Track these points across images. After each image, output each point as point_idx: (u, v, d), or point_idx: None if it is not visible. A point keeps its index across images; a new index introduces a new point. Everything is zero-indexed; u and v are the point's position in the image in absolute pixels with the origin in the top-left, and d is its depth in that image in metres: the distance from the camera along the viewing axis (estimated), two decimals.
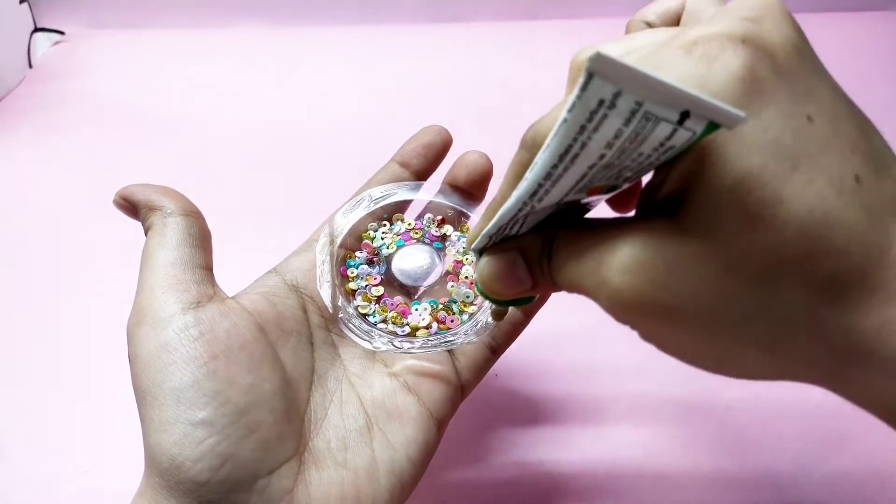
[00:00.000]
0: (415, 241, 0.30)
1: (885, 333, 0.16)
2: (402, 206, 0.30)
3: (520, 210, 0.18)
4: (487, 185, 0.30)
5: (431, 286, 0.29)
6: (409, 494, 0.25)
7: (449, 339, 0.27)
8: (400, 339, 0.27)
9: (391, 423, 0.25)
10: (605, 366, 0.38)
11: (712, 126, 0.14)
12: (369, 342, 0.27)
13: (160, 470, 0.21)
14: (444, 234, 0.30)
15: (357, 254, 0.29)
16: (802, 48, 0.17)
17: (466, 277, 0.29)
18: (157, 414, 0.21)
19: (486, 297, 0.23)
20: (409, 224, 0.30)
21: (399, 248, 0.29)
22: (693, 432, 0.35)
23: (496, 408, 0.36)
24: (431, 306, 0.28)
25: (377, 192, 0.29)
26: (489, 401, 0.36)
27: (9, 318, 0.42)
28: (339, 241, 0.29)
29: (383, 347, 0.26)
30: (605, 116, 0.14)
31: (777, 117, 0.16)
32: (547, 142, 0.15)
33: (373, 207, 0.29)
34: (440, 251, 0.30)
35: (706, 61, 0.16)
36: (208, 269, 0.25)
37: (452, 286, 0.29)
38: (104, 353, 0.39)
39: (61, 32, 0.68)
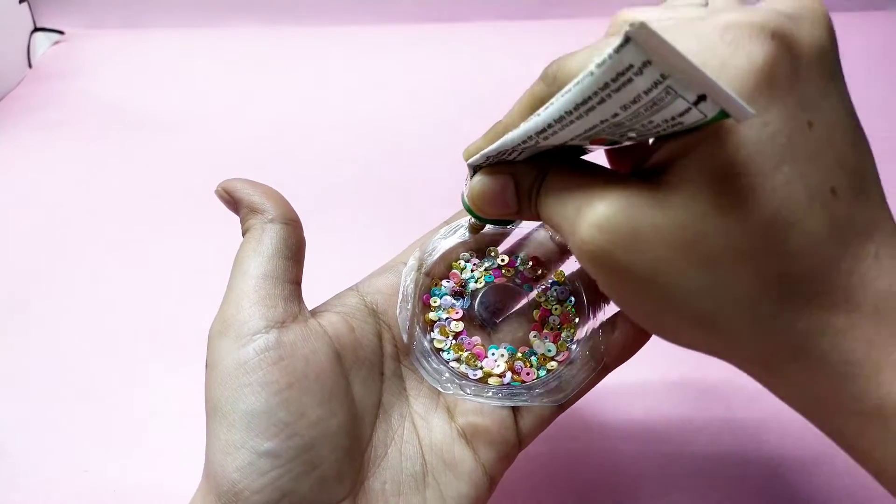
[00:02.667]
0: (505, 279, 0.28)
1: (816, 336, 0.17)
2: (498, 238, 0.29)
3: (524, 142, 0.19)
4: None
5: (513, 331, 0.28)
6: None
7: (520, 396, 0.25)
8: (470, 384, 0.26)
9: (446, 474, 0.24)
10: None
11: (723, 114, 0.15)
12: (438, 382, 0.26)
13: (219, 491, 0.21)
14: (538, 276, 0.28)
15: (444, 283, 0.28)
16: (828, 55, 0.18)
17: (552, 330, 0.27)
18: (225, 434, 0.21)
19: (469, 212, 0.24)
20: (503, 260, 0.28)
21: (488, 283, 0.28)
22: (693, 432, 0.35)
23: None
24: (509, 354, 0.27)
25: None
26: None
27: (9, 318, 0.42)
28: (427, 268, 0.27)
29: (451, 390, 0.25)
30: (629, 80, 0.14)
31: (779, 116, 0.17)
32: (568, 87, 0.16)
33: (468, 236, 0.28)
34: (529, 295, 0.28)
35: (734, 46, 0.17)
36: (297, 283, 0.24)
37: (535, 336, 0.27)
38: (104, 353, 0.39)
39: (61, 32, 0.68)
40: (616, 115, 0.16)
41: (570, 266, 0.28)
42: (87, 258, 0.45)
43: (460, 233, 0.28)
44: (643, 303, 0.19)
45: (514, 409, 0.26)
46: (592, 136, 0.18)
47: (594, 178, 0.19)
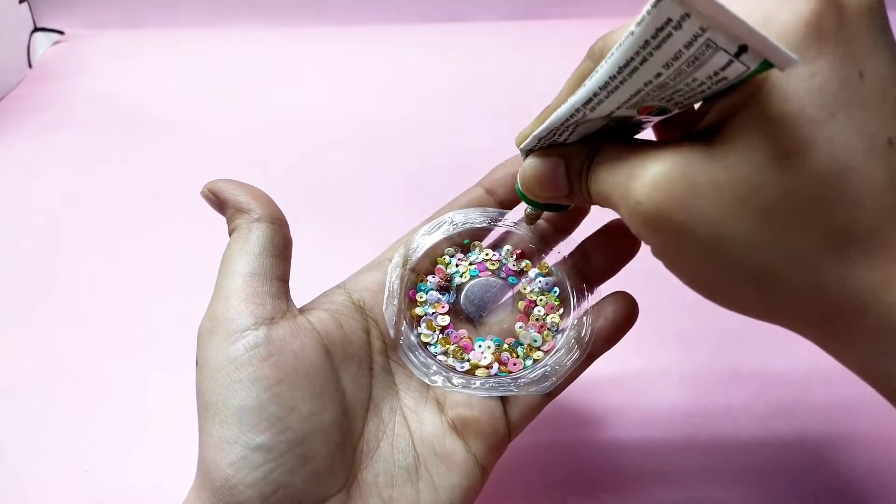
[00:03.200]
0: (490, 272, 0.28)
1: (880, 291, 0.17)
2: (481, 233, 0.29)
3: (572, 116, 0.19)
4: (580, 222, 0.29)
5: (499, 322, 0.28)
6: None
7: (508, 386, 0.26)
8: (458, 376, 0.26)
9: (438, 465, 0.25)
10: (605, 369, 0.38)
11: (766, 65, 0.15)
12: (426, 375, 0.26)
13: (213, 487, 0.21)
14: (522, 269, 0.29)
15: (429, 278, 0.28)
16: (875, 8, 0.18)
17: (537, 320, 0.28)
18: (217, 430, 0.21)
19: (524, 198, 0.24)
20: (487, 254, 0.29)
21: (473, 277, 0.28)
22: (693, 432, 0.35)
23: None
24: (495, 345, 0.27)
25: (458, 215, 0.28)
26: None
27: (8, 318, 0.42)
28: (412, 263, 0.28)
29: (439, 383, 0.26)
30: (669, 35, 0.15)
31: (829, 66, 0.16)
32: (612, 51, 0.16)
33: (451, 231, 0.28)
34: (514, 287, 0.29)
35: (778, 2, 0.17)
36: (285, 281, 0.25)
37: (521, 327, 0.27)
38: (104, 352, 0.39)
39: (61, 32, 0.68)
40: (659, 74, 0.16)
41: (552, 258, 0.29)
42: (87, 258, 0.45)
43: (444, 228, 0.28)
44: (699, 265, 0.19)
45: (503, 400, 0.26)
46: (639, 103, 0.18)
47: (645, 146, 0.19)
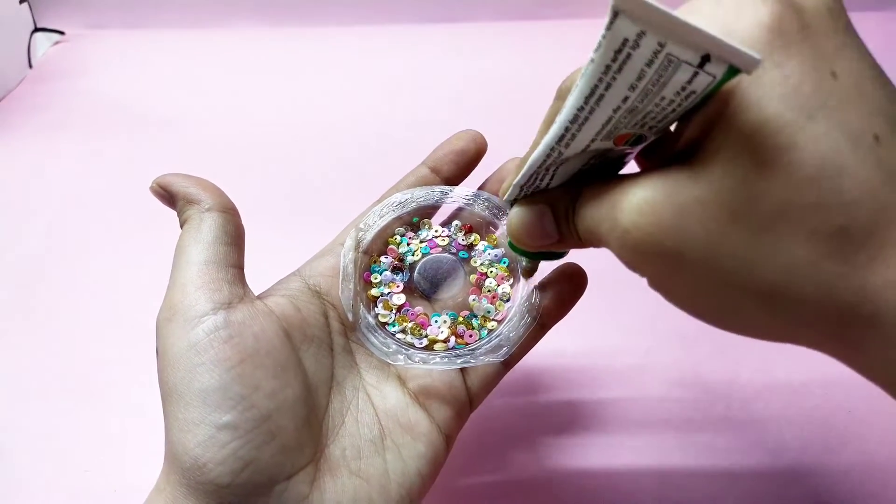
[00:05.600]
0: (441, 249, 0.29)
1: (891, 292, 0.16)
2: (430, 211, 0.30)
3: (548, 156, 0.19)
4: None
5: (453, 297, 0.29)
6: None
7: (465, 357, 0.26)
8: (417, 352, 0.27)
9: (404, 436, 0.25)
10: (605, 371, 0.38)
11: (732, 71, 0.15)
12: (386, 355, 0.26)
13: (182, 469, 0.21)
14: (472, 243, 0.29)
15: (382, 259, 0.29)
16: (835, 9, 0.17)
17: (489, 291, 0.28)
18: (182, 413, 0.21)
19: (516, 250, 0.24)
20: (437, 231, 0.29)
21: (424, 255, 0.29)
22: (692, 432, 0.35)
23: (497, 411, 0.36)
24: (451, 319, 0.28)
25: (405, 195, 0.29)
26: (490, 408, 0.36)
27: (8, 318, 0.42)
28: (364, 245, 0.28)
29: (400, 361, 0.26)
30: (628, 56, 0.14)
31: (800, 68, 0.16)
32: (576, 83, 0.16)
33: (400, 212, 0.29)
34: (465, 261, 0.29)
35: (734, 11, 0.16)
36: (240, 268, 0.25)
37: (474, 300, 0.28)
38: (104, 352, 0.39)
39: (61, 32, 0.68)
40: (626, 98, 0.16)
41: (499, 230, 0.30)
42: (88, 258, 0.45)
43: (393, 209, 0.29)
44: (698, 289, 0.18)
45: (463, 371, 0.27)
46: (613, 133, 0.18)
47: (627, 177, 0.19)
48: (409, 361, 0.26)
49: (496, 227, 0.30)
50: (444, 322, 0.28)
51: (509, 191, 0.22)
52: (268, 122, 0.58)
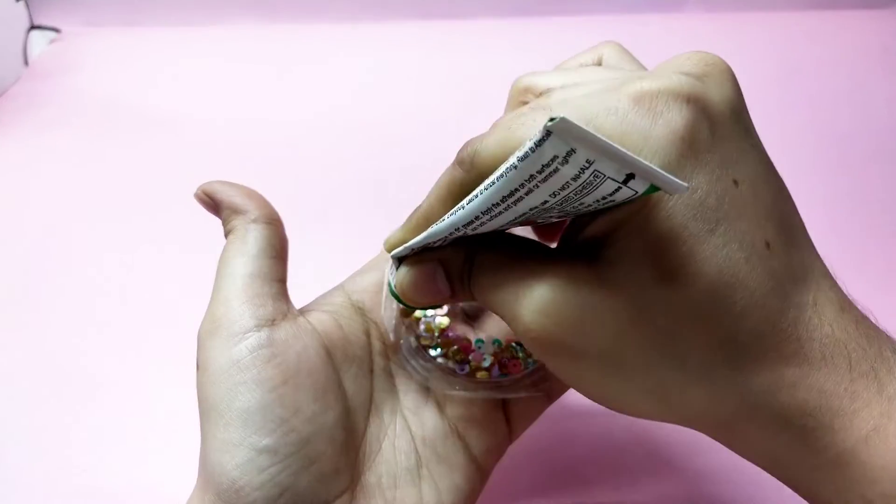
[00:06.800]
0: None
1: (771, 393, 0.17)
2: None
3: (451, 234, 0.19)
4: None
5: (498, 321, 0.28)
6: None
7: (508, 389, 0.26)
8: (458, 379, 0.26)
9: (440, 466, 0.25)
10: None
11: (653, 188, 0.15)
12: (426, 379, 0.26)
13: (218, 490, 0.21)
14: None
15: None
16: (739, 110, 0.18)
17: None
18: (222, 433, 0.21)
19: (399, 301, 0.23)
20: None
21: None
22: (693, 431, 0.35)
23: None
24: (495, 346, 0.27)
25: None
26: None
27: (7, 317, 0.42)
28: None
29: (440, 387, 0.25)
30: (555, 170, 0.14)
31: (706, 180, 0.17)
32: (492, 179, 0.16)
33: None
34: None
35: (651, 115, 0.17)
36: (284, 281, 0.24)
37: None
38: (104, 352, 0.39)
39: (57, 30, 0.68)
40: (546, 202, 0.16)
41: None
42: (85, 257, 0.45)
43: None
44: (594, 379, 0.19)
45: (504, 402, 0.26)
46: (522, 222, 0.18)
47: (526, 258, 0.19)
48: (450, 389, 0.25)
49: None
50: (489, 349, 0.27)
51: (398, 248, 0.22)
52: (265, 120, 0.57)
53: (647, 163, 0.14)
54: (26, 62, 0.65)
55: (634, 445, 0.34)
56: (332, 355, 0.24)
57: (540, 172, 0.14)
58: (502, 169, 0.15)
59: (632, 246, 0.17)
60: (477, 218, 0.17)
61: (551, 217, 0.18)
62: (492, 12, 0.69)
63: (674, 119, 0.17)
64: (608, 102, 0.17)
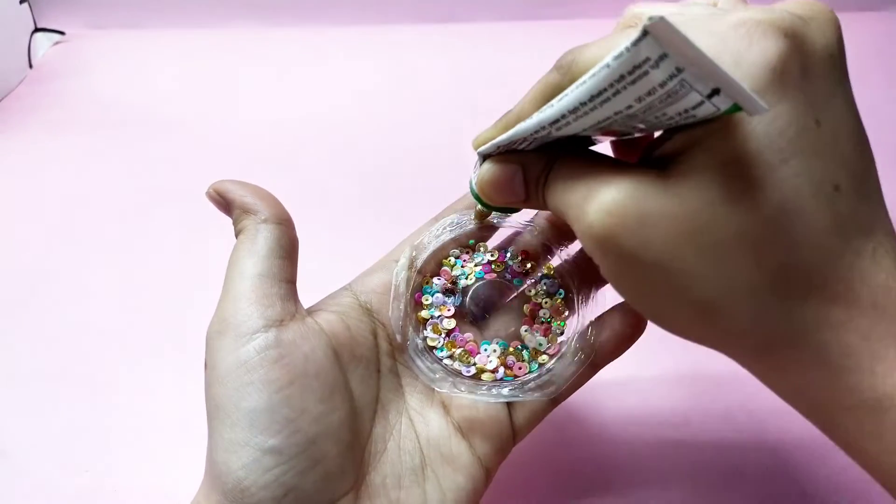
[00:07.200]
0: (495, 274, 0.28)
1: (814, 328, 0.17)
2: (486, 234, 0.29)
3: (536, 132, 0.19)
4: None
5: (505, 325, 0.28)
6: None
7: (513, 391, 0.26)
8: (463, 380, 0.26)
9: (444, 467, 0.25)
10: (604, 369, 0.38)
11: (735, 108, 0.15)
12: (432, 380, 0.26)
13: (224, 490, 0.21)
14: (527, 271, 0.28)
15: (434, 280, 0.28)
16: (836, 57, 0.18)
17: (542, 323, 0.27)
18: (228, 433, 0.21)
19: (477, 199, 0.24)
20: (492, 255, 0.29)
21: (478, 279, 0.28)
22: (692, 433, 0.35)
23: None
24: (501, 349, 0.27)
25: (463, 217, 0.28)
26: None
27: (10, 317, 0.42)
28: (418, 265, 0.28)
29: (445, 388, 0.26)
30: (645, 73, 0.15)
31: (789, 112, 0.17)
32: (584, 78, 0.16)
33: (457, 232, 0.28)
34: (519, 289, 0.28)
35: (748, 41, 0.17)
36: (293, 282, 0.25)
37: (527, 331, 0.27)
38: (105, 352, 0.40)
39: (61, 32, 0.68)
40: (630, 106, 0.16)
41: (558, 260, 0.29)
42: (88, 257, 0.45)
43: (450, 230, 0.28)
44: (645, 289, 0.19)
45: (508, 404, 0.26)
46: (605, 127, 0.18)
47: (602, 166, 0.20)
48: (455, 390, 0.25)
49: (552, 256, 0.29)
50: (494, 352, 0.27)
51: (485, 146, 0.22)
52: (266, 122, 0.58)
53: (733, 77, 0.14)
54: (30, 64, 0.65)
55: (637, 454, 0.34)
56: (340, 356, 0.24)
57: (630, 73, 0.15)
58: (595, 69, 0.15)
59: (704, 163, 0.17)
60: (563, 117, 0.18)
61: (634, 127, 0.18)
62: (491, 16, 0.69)
63: (769, 48, 0.17)
64: (710, 26, 0.18)
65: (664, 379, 0.37)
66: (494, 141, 0.22)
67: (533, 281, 0.28)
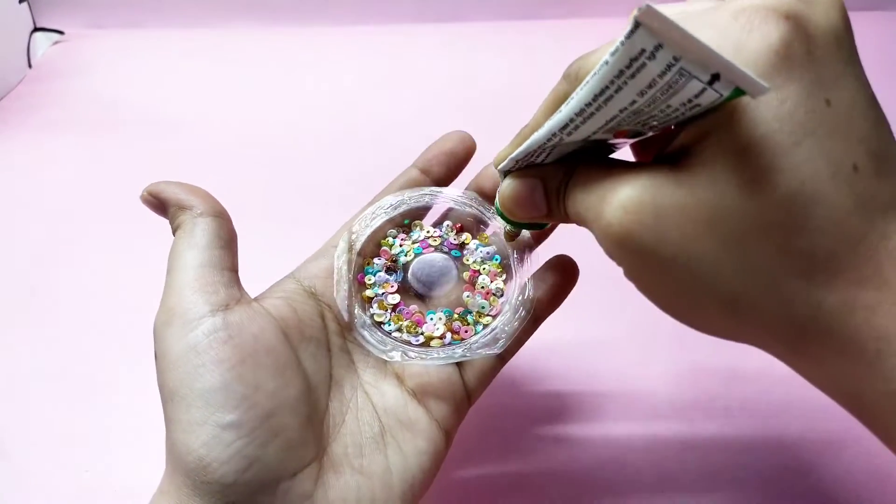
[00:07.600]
0: (433, 248, 0.30)
1: (845, 313, 0.17)
2: (421, 212, 0.30)
3: (549, 140, 0.19)
4: None
5: (447, 295, 0.29)
6: (420, 501, 0.25)
7: (462, 352, 0.27)
8: (413, 349, 0.27)
9: (403, 432, 0.26)
10: (605, 367, 0.38)
11: (738, 92, 0.15)
12: (384, 352, 0.27)
13: (186, 470, 0.21)
14: (463, 242, 0.30)
15: (375, 261, 0.29)
16: (843, 37, 0.18)
17: (482, 287, 0.29)
18: (184, 414, 0.21)
19: (503, 218, 0.25)
20: (428, 231, 0.30)
21: (417, 255, 0.29)
22: (692, 432, 0.35)
23: (499, 408, 0.36)
24: (446, 316, 0.28)
25: (396, 198, 0.29)
26: (492, 401, 0.36)
27: (9, 317, 0.42)
28: (357, 247, 0.29)
29: (397, 358, 0.26)
30: (643, 65, 0.15)
31: (796, 93, 0.17)
32: (586, 80, 0.16)
33: (392, 214, 0.29)
34: (458, 259, 0.30)
35: (748, 27, 0.17)
36: (235, 270, 0.25)
37: (468, 296, 0.29)
38: (104, 352, 0.40)
39: (61, 32, 0.68)
40: (634, 101, 0.16)
41: (490, 228, 0.30)
42: (88, 258, 0.45)
43: (383, 211, 0.29)
44: (668, 286, 0.19)
45: (459, 365, 0.27)
46: (614, 128, 0.18)
47: (618, 168, 0.20)
48: (407, 358, 0.27)
49: (486, 226, 0.30)
50: (440, 319, 0.28)
51: (504, 162, 0.23)
52: (266, 122, 0.58)
53: (726, 58, 0.14)
54: (30, 64, 0.65)
55: (636, 453, 0.34)
56: (289, 336, 0.25)
57: (629, 67, 0.15)
58: (595, 68, 0.16)
59: (716, 153, 0.17)
60: (571, 120, 0.18)
61: (644, 125, 0.18)
62: (490, 15, 0.69)
63: (769, 32, 0.17)
64: (710, 18, 0.18)
65: (664, 379, 0.37)
66: (512, 155, 0.22)
67: (469, 250, 0.30)
